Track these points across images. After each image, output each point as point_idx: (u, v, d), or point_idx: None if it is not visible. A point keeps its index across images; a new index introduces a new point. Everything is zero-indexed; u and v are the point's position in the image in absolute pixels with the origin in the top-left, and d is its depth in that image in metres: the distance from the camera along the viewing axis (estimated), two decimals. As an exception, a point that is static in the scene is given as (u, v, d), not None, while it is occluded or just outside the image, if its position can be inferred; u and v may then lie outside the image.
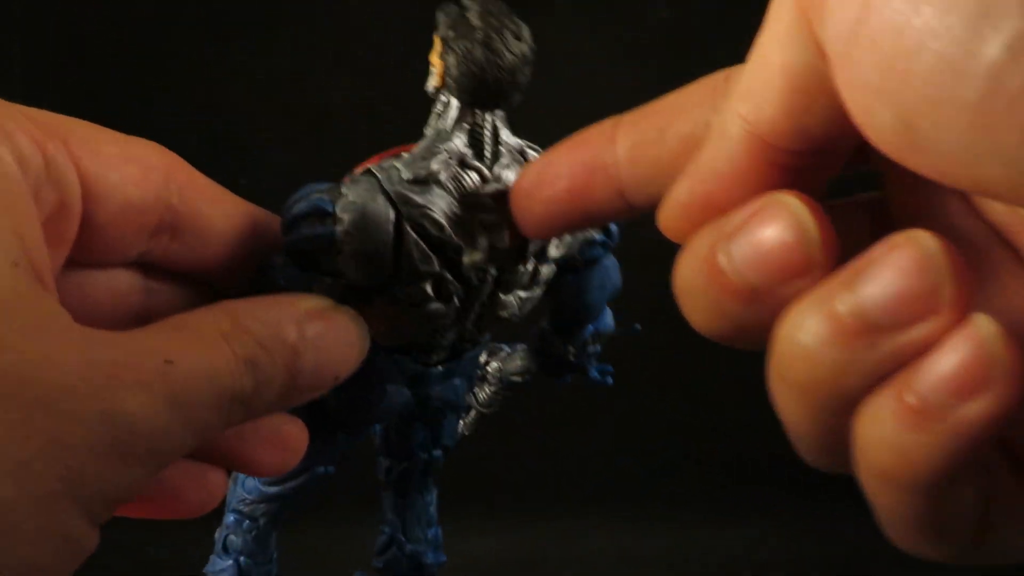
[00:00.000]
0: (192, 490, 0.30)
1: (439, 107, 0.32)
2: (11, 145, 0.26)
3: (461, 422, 0.41)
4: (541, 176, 0.29)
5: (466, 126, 0.31)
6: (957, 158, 0.20)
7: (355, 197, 0.30)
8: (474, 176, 0.31)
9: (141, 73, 0.83)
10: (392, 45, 0.83)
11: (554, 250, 0.33)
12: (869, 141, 0.22)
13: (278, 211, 0.32)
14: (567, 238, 0.33)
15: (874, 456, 0.22)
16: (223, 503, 0.38)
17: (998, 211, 0.25)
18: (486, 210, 0.31)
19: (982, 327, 0.21)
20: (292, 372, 0.28)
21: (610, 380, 0.39)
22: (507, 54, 0.30)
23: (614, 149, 0.28)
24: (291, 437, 0.31)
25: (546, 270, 0.33)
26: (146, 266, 0.31)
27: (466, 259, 0.31)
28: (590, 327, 0.37)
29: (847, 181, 0.27)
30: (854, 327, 0.22)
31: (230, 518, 0.38)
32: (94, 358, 0.24)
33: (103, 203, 0.29)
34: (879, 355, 0.22)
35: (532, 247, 0.32)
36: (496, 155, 0.31)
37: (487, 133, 0.31)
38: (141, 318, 0.31)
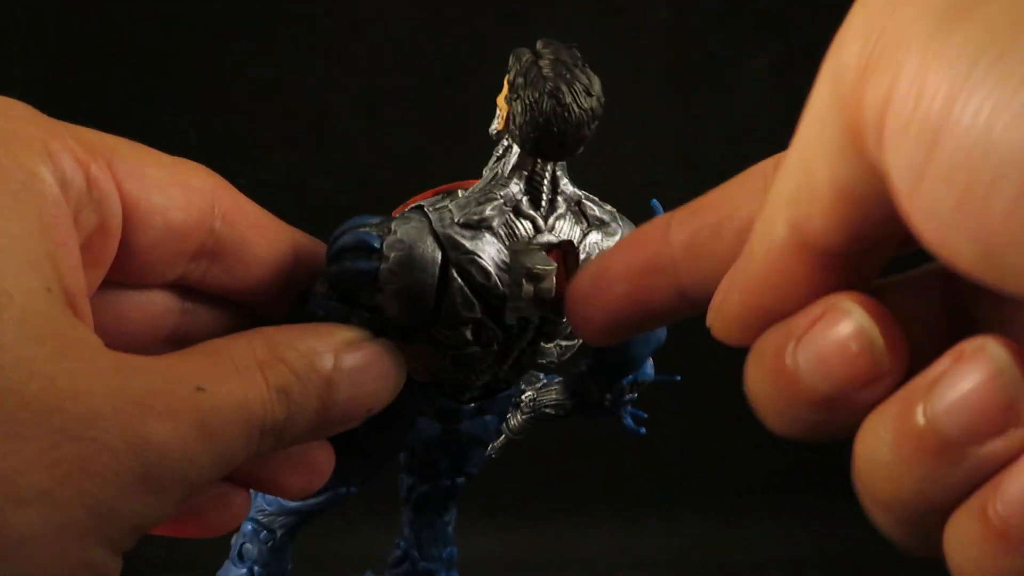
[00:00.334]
0: (215, 511, 0.30)
1: (499, 150, 0.31)
2: (54, 166, 0.26)
3: (491, 446, 0.41)
4: (597, 281, 0.28)
5: (525, 173, 0.30)
6: None
7: (403, 235, 0.29)
8: (528, 225, 0.30)
9: (141, 73, 0.83)
10: (392, 45, 0.83)
11: None
12: (948, 266, 0.21)
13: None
14: None
15: (960, 566, 0.22)
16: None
17: None
18: (534, 260, 0.30)
19: None
20: (325, 403, 0.28)
21: (643, 430, 0.38)
22: (575, 108, 0.29)
23: (670, 248, 0.27)
24: (318, 462, 0.31)
25: None
26: (184, 288, 0.31)
27: (510, 308, 0.30)
28: (629, 376, 0.37)
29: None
30: (933, 443, 0.21)
31: (247, 527, 0.38)
32: (124, 385, 0.24)
33: (144, 226, 0.28)
34: (962, 471, 0.21)
35: None
36: (553, 204, 0.31)
37: (546, 183, 0.30)
38: (177, 340, 0.31)
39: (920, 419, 0.21)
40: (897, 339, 0.22)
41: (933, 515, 0.22)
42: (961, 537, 0.22)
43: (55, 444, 0.23)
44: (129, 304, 0.30)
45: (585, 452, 0.84)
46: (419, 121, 0.83)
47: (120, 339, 0.25)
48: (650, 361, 0.37)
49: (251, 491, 0.37)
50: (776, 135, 0.30)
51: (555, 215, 0.31)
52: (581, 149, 0.30)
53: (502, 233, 0.30)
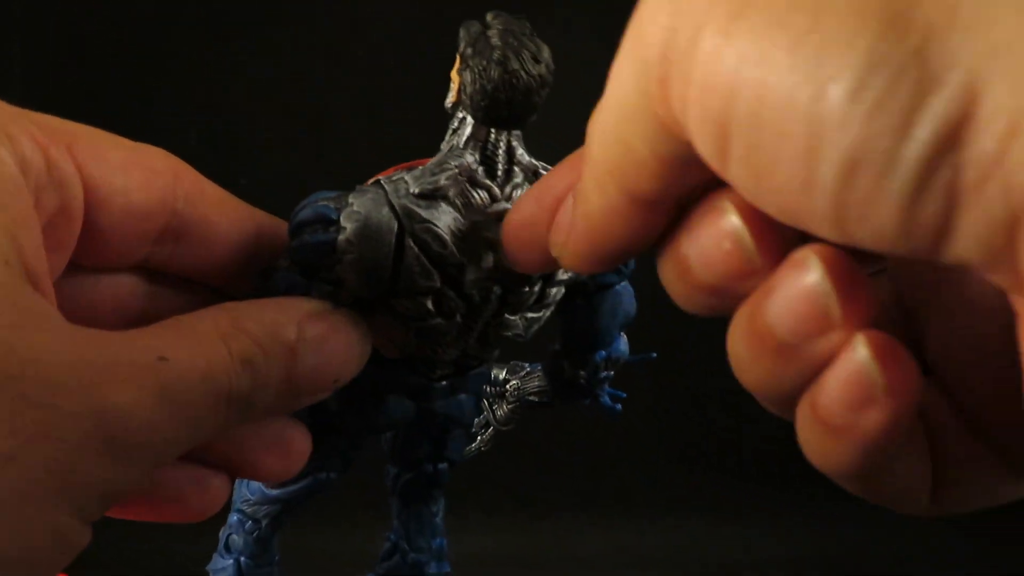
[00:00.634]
0: (194, 494, 0.30)
1: (455, 123, 0.31)
2: (13, 148, 0.26)
3: (479, 438, 0.41)
4: (541, 204, 0.28)
5: (479, 144, 0.31)
6: (838, 243, 0.21)
7: (360, 207, 0.30)
8: (483, 194, 0.31)
9: (141, 73, 0.83)
10: (392, 45, 0.83)
11: (562, 272, 0.33)
12: None
13: (279, 212, 0.32)
14: None
15: (808, 453, 0.24)
16: (230, 503, 0.38)
17: None
18: (493, 229, 0.30)
19: (859, 350, 0.22)
20: (291, 373, 0.28)
21: (619, 407, 0.39)
22: (524, 75, 0.30)
23: None
24: (294, 443, 0.31)
25: (554, 291, 0.33)
26: (151, 271, 0.31)
27: (468, 277, 0.31)
28: (602, 352, 0.37)
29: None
30: (770, 342, 0.23)
31: (233, 518, 0.38)
32: (84, 354, 0.24)
33: (106, 208, 0.29)
34: (796, 367, 0.23)
35: None
36: (509, 174, 0.31)
37: (501, 152, 0.31)
38: (145, 323, 0.31)
39: (760, 319, 0.23)
40: (770, 239, 0.24)
41: (786, 402, 0.24)
42: (801, 423, 0.24)
43: (16, 411, 0.23)
44: (96, 288, 0.30)
45: (584, 451, 0.84)
46: (419, 121, 0.83)
47: (88, 323, 0.25)
48: (624, 338, 0.37)
49: (237, 482, 0.38)
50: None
51: (511, 185, 0.31)
52: (533, 117, 0.31)
53: (458, 203, 0.30)
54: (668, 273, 0.25)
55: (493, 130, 0.31)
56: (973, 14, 0.19)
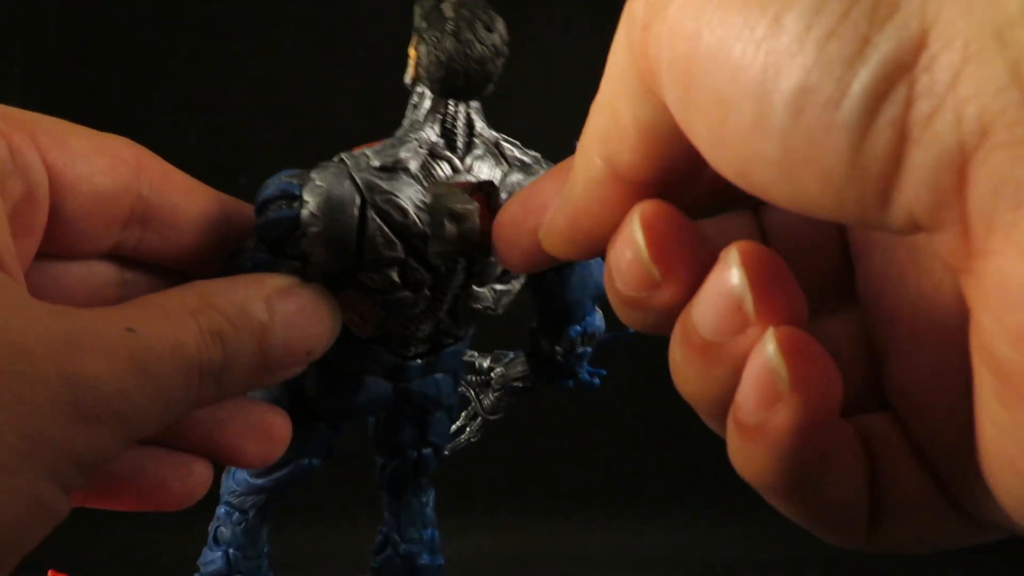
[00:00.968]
0: (177, 480, 0.31)
1: (414, 98, 0.32)
2: None
3: (467, 429, 0.41)
4: (526, 207, 0.29)
5: (439, 117, 0.31)
6: (788, 202, 0.21)
7: (322, 181, 0.31)
8: (445, 167, 0.31)
9: (141, 73, 0.83)
10: (392, 45, 0.83)
11: None
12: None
13: None
14: None
15: (734, 462, 0.24)
16: (218, 496, 0.38)
17: None
18: (456, 200, 0.31)
19: (767, 344, 0.22)
20: (262, 347, 0.28)
21: (597, 382, 0.39)
22: (477, 45, 0.30)
23: None
24: (275, 428, 0.32)
25: None
26: (121, 258, 0.31)
27: (433, 248, 0.31)
28: (576, 327, 0.37)
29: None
30: (697, 341, 0.23)
31: (221, 510, 0.39)
32: (53, 325, 0.24)
33: (72, 193, 0.29)
34: (723, 369, 0.23)
35: None
36: (469, 146, 0.32)
37: (460, 124, 0.32)
38: None
39: (688, 320, 0.23)
40: (675, 252, 0.24)
41: (718, 410, 0.24)
42: (728, 431, 0.24)
43: None
44: (68, 276, 0.31)
45: (584, 452, 0.84)
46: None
47: None
48: (599, 314, 0.37)
49: (224, 474, 0.38)
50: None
51: (472, 156, 0.32)
52: (490, 87, 0.31)
53: (420, 175, 0.31)
54: (606, 280, 0.25)
55: (451, 102, 0.31)
56: None
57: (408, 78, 0.32)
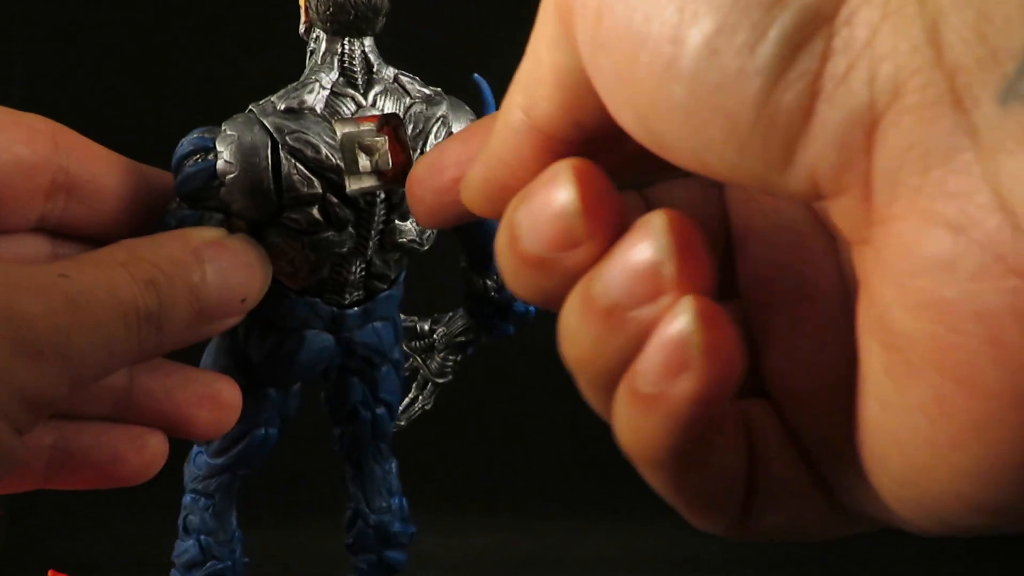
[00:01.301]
0: (133, 452, 0.31)
1: (311, 45, 0.34)
2: None
3: (420, 397, 0.42)
4: (432, 166, 0.29)
5: (336, 56, 0.33)
6: (687, 154, 0.21)
7: (232, 129, 0.32)
8: (349, 103, 0.33)
9: (141, 73, 0.83)
10: (392, 45, 0.83)
11: None
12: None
13: None
14: None
15: (620, 437, 0.23)
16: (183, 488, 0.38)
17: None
18: (364, 135, 0.32)
19: (683, 311, 0.21)
20: (196, 294, 0.29)
21: (532, 310, 0.39)
22: None
23: None
24: (223, 394, 0.32)
25: None
26: (51, 232, 0.32)
27: (350, 182, 0.32)
28: None
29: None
30: (601, 306, 0.22)
31: (187, 498, 0.39)
32: None
33: None
34: (624, 335, 0.22)
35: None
36: (370, 83, 0.33)
37: (358, 62, 0.33)
38: None
39: (595, 283, 0.23)
40: (602, 210, 0.23)
41: (606, 380, 0.23)
42: (616, 403, 0.23)
43: None
44: None
45: (585, 452, 0.84)
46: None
47: None
48: None
49: (185, 463, 0.38)
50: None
51: (373, 92, 0.33)
52: (381, 20, 0.33)
53: (325, 114, 0.32)
54: (502, 245, 0.25)
55: (346, 40, 0.33)
56: None
57: (302, 28, 0.34)
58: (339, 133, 0.32)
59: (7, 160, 0.30)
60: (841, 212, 0.19)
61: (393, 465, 0.40)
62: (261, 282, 0.31)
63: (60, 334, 0.25)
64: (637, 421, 0.22)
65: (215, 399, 0.32)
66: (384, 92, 0.33)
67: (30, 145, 0.30)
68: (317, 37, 0.33)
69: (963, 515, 0.20)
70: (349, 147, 0.32)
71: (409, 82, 0.34)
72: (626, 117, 0.21)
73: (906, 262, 0.19)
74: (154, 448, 0.32)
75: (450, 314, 0.42)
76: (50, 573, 0.46)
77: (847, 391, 0.22)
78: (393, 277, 0.36)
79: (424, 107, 0.33)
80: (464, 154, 0.28)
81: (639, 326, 0.22)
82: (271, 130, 0.32)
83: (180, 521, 0.39)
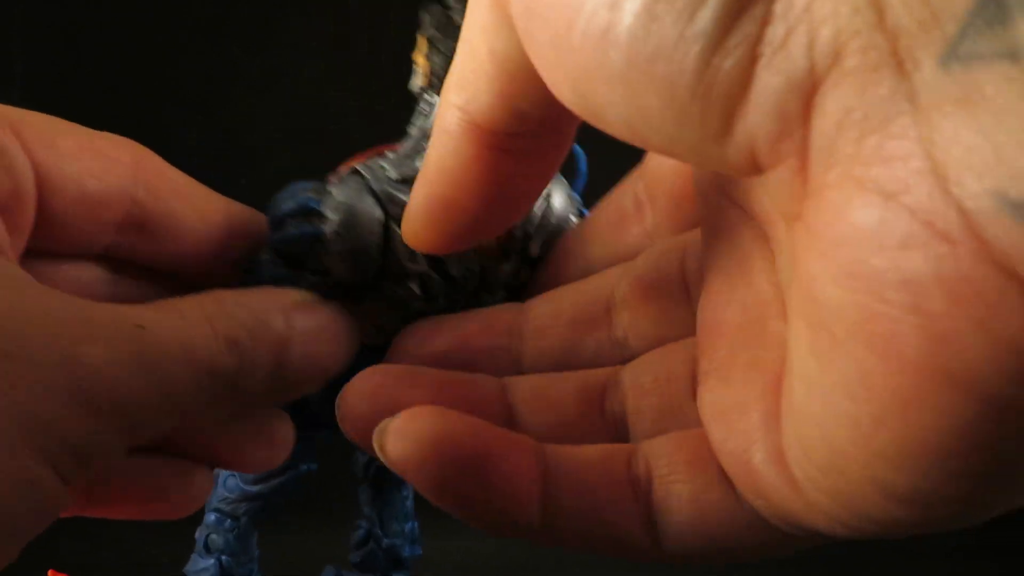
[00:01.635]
0: (178, 489, 0.30)
1: (424, 107, 0.32)
2: None
3: None
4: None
5: None
6: (625, 124, 0.20)
7: (343, 197, 0.30)
8: None
9: (141, 73, 0.83)
10: (392, 45, 0.83)
11: (536, 248, 0.33)
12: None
13: None
14: (544, 234, 0.33)
15: None
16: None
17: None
18: None
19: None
20: (279, 360, 0.27)
21: None
22: None
23: None
24: (279, 432, 0.31)
25: (527, 272, 0.33)
26: (115, 260, 0.31)
27: (453, 258, 0.31)
28: None
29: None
30: None
31: (211, 517, 0.38)
32: (57, 310, 0.23)
33: (60, 195, 0.28)
34: None
35: (514, 245, 0.33)
36: None
37: None
38: None
39: None
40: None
41: None
42: None
43: None
44: (56, 274, 0.30)
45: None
46: (419, 121, 0.83)
47: None
48: None
49: (214, 476, 0.37)
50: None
51: None
52: None
53: None
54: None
55: None
56: None
57: (418, 86, 0.32)
58: None
59: (75, 192, 0.28)
60: (777, 187, 0.19)
61: (410, 489, 0.40)
62: (345, 356, 0.30)
63: (123, 391, 0.23)
64: None
65: (270, 438, 0.31)
66: None
67: (103, 178, 0.29)
68: (432, 102, 0.32)
69: (880, 504, 0.20)
70: None
71: None
72: (563, 88, 0.21)
73: (835, 231, 0.18)
74: (200, 484, 0.30)
75: None
76: (50, 573, 0.46)
77: (769, 400, 0.22)
78: None
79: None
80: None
81: None
82: (383, 202, 0.30)
83: (200, 537, 0.38)
